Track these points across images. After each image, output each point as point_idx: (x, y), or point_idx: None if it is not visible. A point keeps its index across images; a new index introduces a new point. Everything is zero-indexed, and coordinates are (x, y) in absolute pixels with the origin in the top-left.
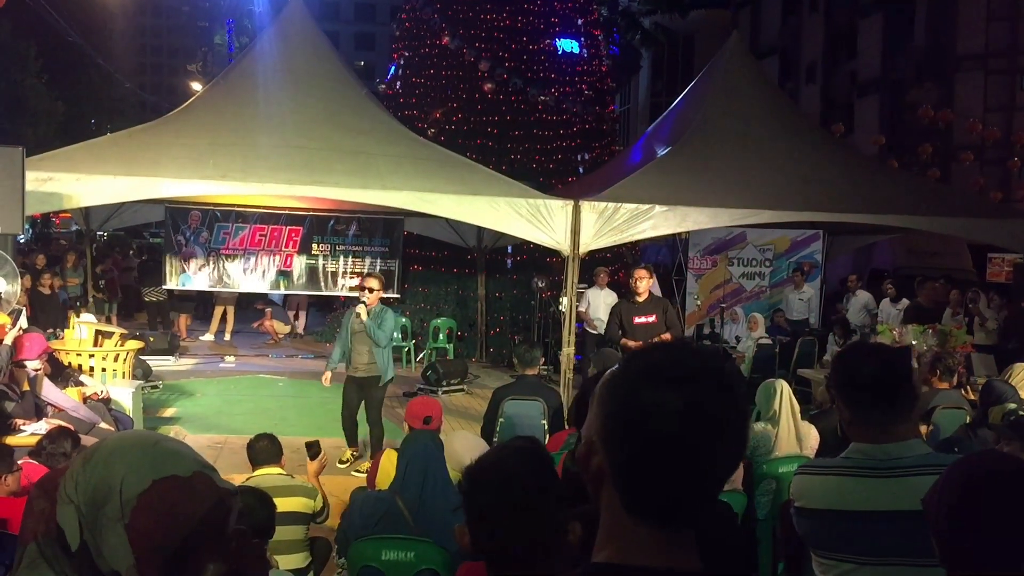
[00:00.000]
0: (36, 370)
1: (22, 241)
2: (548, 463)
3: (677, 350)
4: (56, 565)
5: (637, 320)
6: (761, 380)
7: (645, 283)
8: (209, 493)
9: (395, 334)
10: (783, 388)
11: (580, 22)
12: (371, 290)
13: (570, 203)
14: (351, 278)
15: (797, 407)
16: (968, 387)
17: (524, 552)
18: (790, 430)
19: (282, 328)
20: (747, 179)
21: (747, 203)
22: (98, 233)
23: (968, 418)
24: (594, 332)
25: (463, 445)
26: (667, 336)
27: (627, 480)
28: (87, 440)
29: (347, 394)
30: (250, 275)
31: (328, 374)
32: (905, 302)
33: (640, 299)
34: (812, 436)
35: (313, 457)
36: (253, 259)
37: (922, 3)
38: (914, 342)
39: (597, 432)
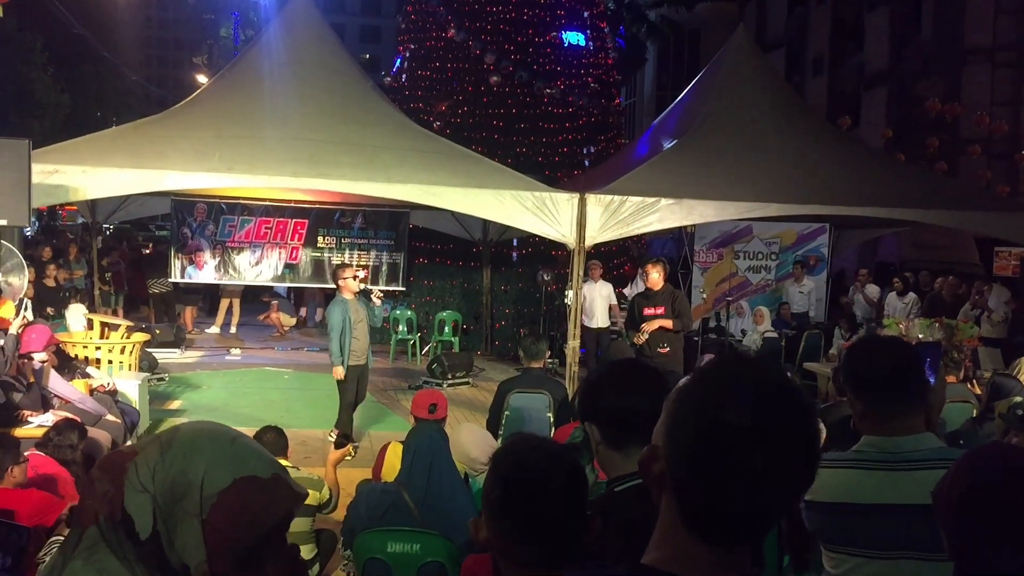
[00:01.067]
0: (43, 362)
1: (29, 234)
2: (582, 471)
3: (751, 368)
4: (119, 551)
5: (647, 311)
6: None
7: (653, 276)
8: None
9: (401, 327)
10: None
11: (586, 15)
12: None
13: (576, 196)
14: (356, 271)
15: None
16: (974, 381)
17: (546, 550)
18: None
19: (288, 321)
20: (753, 172)
21: (753, 196)
22: (104, 226)
23: (975, 412)
24: (592, 327)
25: (469, 438)
26: (668, 323)
27: (686, 495)
28: (94, 432)
29: (353, 383)
30: (256, 268)
31: (340, 368)
32: (912, 296)
33: (653, 290)
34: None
35: (338, 447)
36: (259, 252)
37: None
38: (920, 335)
39: (662, 440)
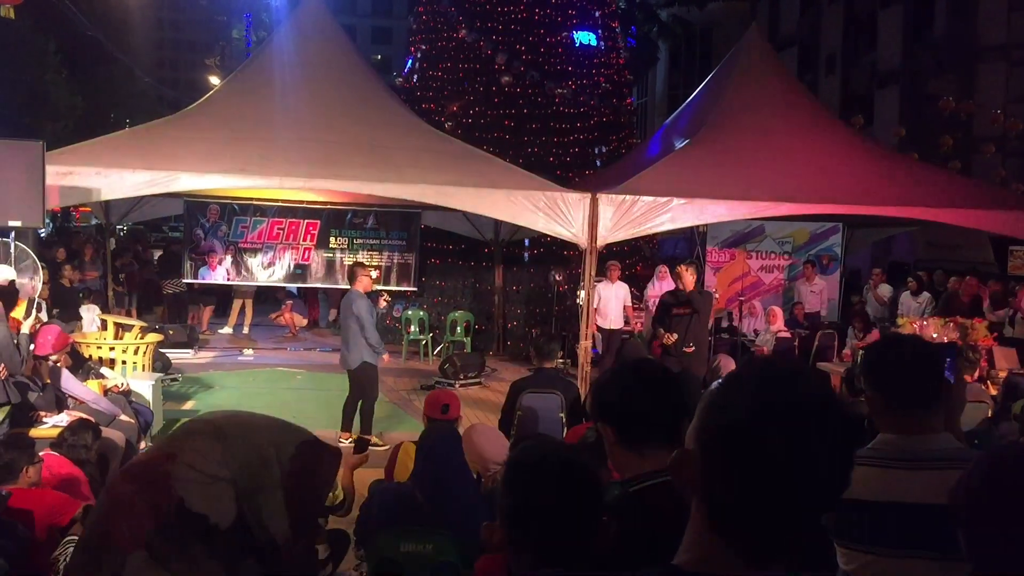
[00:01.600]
0: (56, 362)
1: (43, 236)
2: (595, 475)
3: (790, 378)
4: (174, 562)
5: (675, 311)
6: None
7: (689, 277)
8: (332, 453)
9: (413, 327)
10: None
11: (597, 14)
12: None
13: (588, 196)
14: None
15: None
16: (989, 381)
17: (560, 555)
18: None
19: (300, 321)
20: (766, 172)
21: (766, 196)
22: (118, 227)
23: (990, 412)
24: (606, 328)
25: (482, 438)
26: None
27: (715, 501)
28: (108, 432)
29: (376, 380)
30: (268, 269)
31: (387, 355)
32: (927, 295)
33: (684, 292)
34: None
35: (358, 451)
36: (271, 252)
37: None
38: (935, 334)
39: (693, 444)
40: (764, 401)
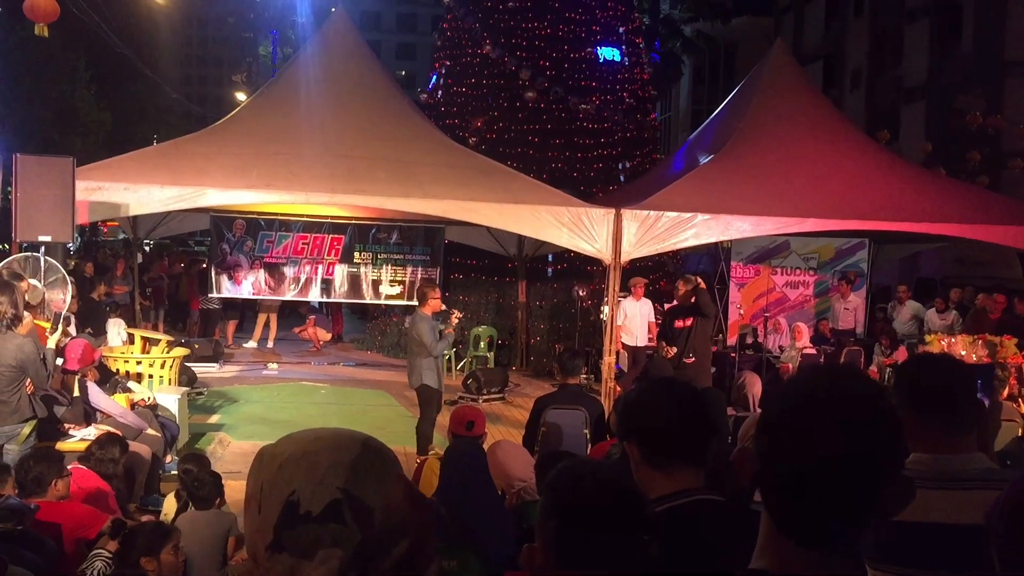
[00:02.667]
0: (84, 376)
1: (72, 250)
2: (639, 494)
3: (851, 384)
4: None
5: (676, 323)
6: None
7: (681, 290)
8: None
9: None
10: None
11: (621, 30)
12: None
13: (611, 211)
14: (392, 286)
15: None
16: (1021, 399)
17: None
18: None
19: (324, 336)
20: (791, 187)
21: (791, 211)
22: (144, 241)
23: (1020, 431)
24: (631, 345)
25: (507, 455)
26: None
27: (774, 498)
28: (135, 446)
29: (434, 402)
30: (293, 283)
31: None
32: (954, 314)
33: (683, 304)
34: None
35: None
36: (296, 267)
37: (970, 8)
38: (963, 352)
39: (756, 446)
40: (829, 417)
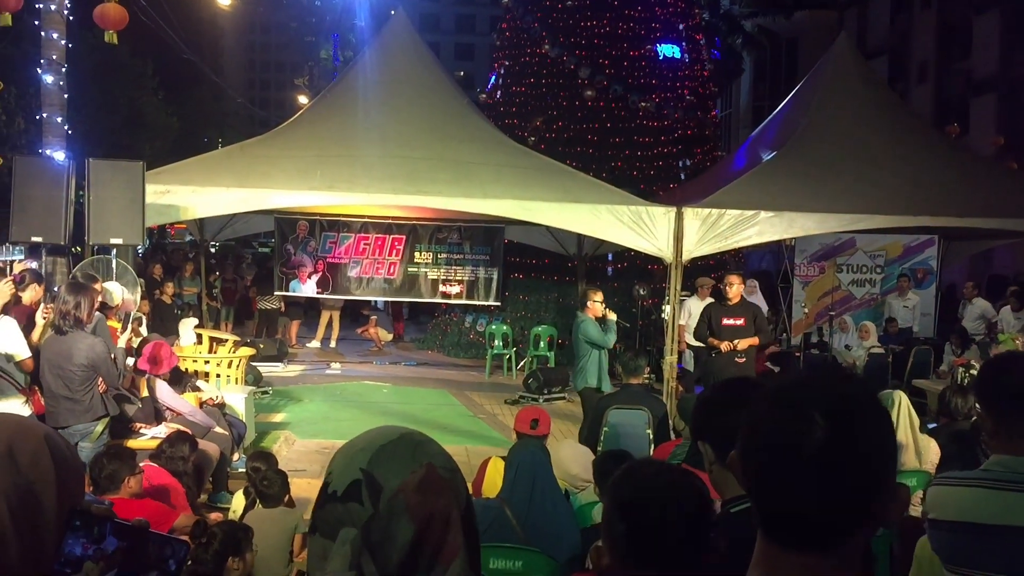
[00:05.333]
0: (155, 376)
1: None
2: (705, 494)
3: (828, 377)
4: (469, 553)
5: (725, 321)
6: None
7: (735, 288)
8: None
9: (497, 341)
10: (901, 400)
11: (681, 27)
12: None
13: (673, 210)
14: (452, 286)
15: (916, 420)
16: None
17: (677, 569)
18: (908, 443)
19: (385, 336)
20: (857, 183)
21: (857, 208)
22: (211, 243)
23: None
24: (696, 345)
25: (570, 454)
26: (755, 340)
27: (755, 497)
28: (203, 444)
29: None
30: (355, 283)
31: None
32: None
33: (731, 303)
34: (932, 450)
35: None
36: (358, 267)
37: None
38: None
39: (737, 448)
40: (806, 410)
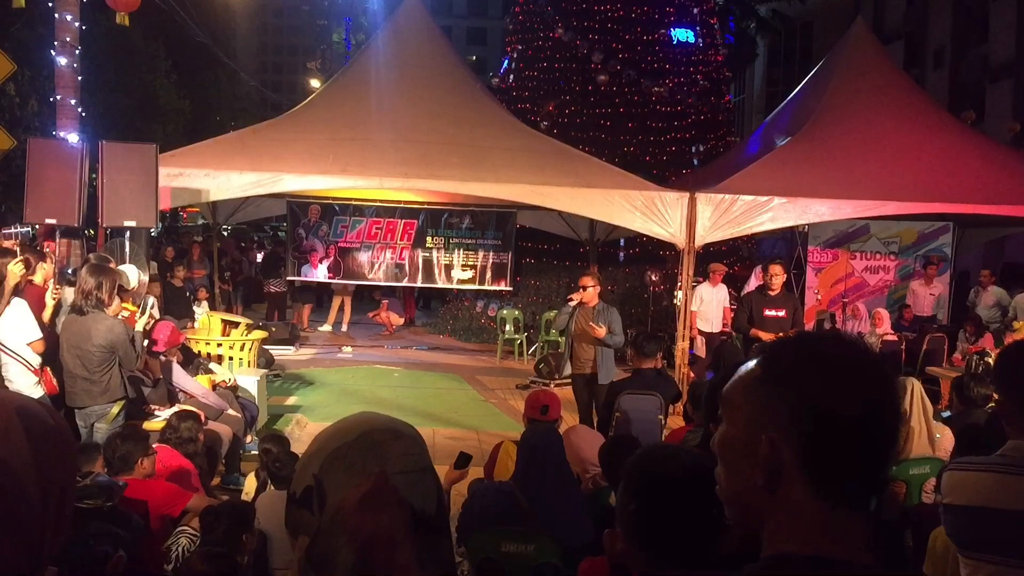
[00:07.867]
0: (168, 358)
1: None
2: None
3: (854, 346)
4: (430, 565)
5: (767, 312)
6: None
7: (779, 279)
8: None
9: (508, 326)
10: (914, 386)
11: (695, 11)
12: (585, 288)
13: (686, 195)
14: (464, 271)
15: (930, 407)
16: None
17: (686, 560)
18: (921, 431)
19: (396, 320)
20: (871, 169)
21: (871, 194)
22: (223, 227)
23: None
24: (707, 331)
25: (581, 439)
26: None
27: (819, 466)
28: (216, 426)
29: (577, 393)
30: (366, 267)
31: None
32: None
33: (773, 293)
34: (946, 438)
35: (458, 467)
36: (370, 252)
37: None
38: None
39: (777, 427)
40: (846, 382)
